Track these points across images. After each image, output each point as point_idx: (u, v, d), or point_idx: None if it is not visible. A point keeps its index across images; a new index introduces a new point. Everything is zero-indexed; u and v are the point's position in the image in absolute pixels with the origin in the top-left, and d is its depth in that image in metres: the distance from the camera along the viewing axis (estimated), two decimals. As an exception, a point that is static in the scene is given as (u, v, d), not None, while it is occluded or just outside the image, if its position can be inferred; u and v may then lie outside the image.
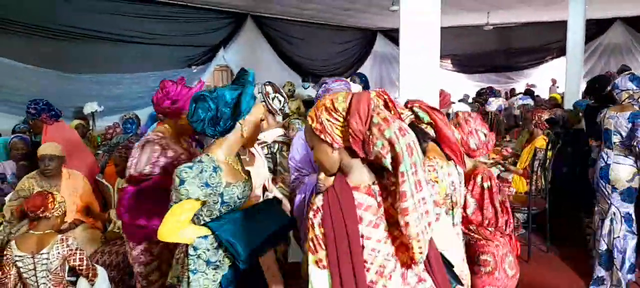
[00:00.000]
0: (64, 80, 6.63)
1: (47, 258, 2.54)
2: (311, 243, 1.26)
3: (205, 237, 1.72)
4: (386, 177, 1.30)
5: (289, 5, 8.97)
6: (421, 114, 1.50)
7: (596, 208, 3.58)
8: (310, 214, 1.26)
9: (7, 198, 3.40)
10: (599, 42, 11.91)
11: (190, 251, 1.72)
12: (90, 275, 2.67)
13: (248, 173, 1.97)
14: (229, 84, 1.88)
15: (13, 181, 3.70)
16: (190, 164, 1.70)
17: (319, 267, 1.25)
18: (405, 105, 1.50)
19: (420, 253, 1.22)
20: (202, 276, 1.73)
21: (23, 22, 6.12)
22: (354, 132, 1.22)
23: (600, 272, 3.52)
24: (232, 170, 1.82)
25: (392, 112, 1.31)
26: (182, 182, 1.65)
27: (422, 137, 1.73)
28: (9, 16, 5.98)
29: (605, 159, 3.40)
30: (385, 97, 1.31)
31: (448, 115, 6.68)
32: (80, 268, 2.63)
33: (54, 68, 6.48)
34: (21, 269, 2.54)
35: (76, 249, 2.62)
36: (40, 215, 2.58)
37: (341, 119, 1.25)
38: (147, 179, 2.24)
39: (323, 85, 2.78)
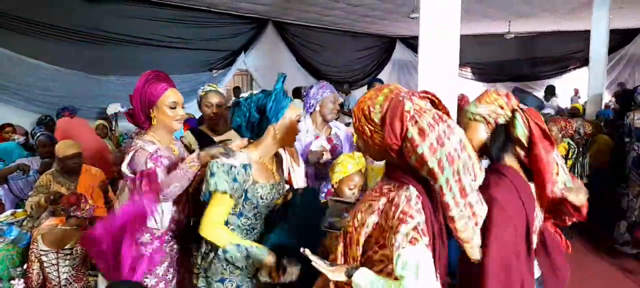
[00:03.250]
0: (90, 81, 6.84)
1: (71, 254, 2.60)
2: (418, 229, 1.20)
3: (237, 245, 1.78)
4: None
5: (310, 11, 9.04)
6: (520, 126, 1.51)
7: (627, 191, 4.30)
8: (413, 202, 1.22)
9: (29, 194, 3.49)
10: (624, 53, 11.67)
11: (220, 253, 1.81)
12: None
13: (281, 176, 2.02)
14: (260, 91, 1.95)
15: (35, 177, 3.80)
16: (221, 160, 1.77)
17: (429, 250, 1.22)
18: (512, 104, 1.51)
19: (472, 250, 1.23)
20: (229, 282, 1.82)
21: (52, 24, 6.36)
22: (387, 145, 1.22)
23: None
24: (265, 170, 1.88)
25: (440, 108, 1.28)
26: (212, 174, 1.74)
27: (506, 147, 1.60)
28: (38, 20, 6.21)
29: (637, 150, 4.20)
30: (429, 96, 1.28)
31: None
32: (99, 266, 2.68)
33: (80, 69, 6.70)
34: (45, 264, 2.61)
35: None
36: (72, 212, 2.66)
37: (378, 129, 1.25)
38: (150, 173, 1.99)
39: (316, 91, 3.01)
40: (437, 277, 1.23)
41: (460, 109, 3.75)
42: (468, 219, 1.18)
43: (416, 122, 1.18)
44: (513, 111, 1.56)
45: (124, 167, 2.06)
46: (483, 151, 1.64)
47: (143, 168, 2.00)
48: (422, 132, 1.16)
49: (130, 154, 2.05)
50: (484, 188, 1.36)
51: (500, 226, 1.43)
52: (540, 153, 1.48)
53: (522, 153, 1.57)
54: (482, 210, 1.22)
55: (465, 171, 1.17)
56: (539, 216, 1.65)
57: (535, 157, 1.49)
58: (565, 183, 1.63)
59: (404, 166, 1.27)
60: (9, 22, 5.96)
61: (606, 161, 4.55)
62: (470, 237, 1.21)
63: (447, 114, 1.27)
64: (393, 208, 1.24)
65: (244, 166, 1.78)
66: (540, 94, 12.69)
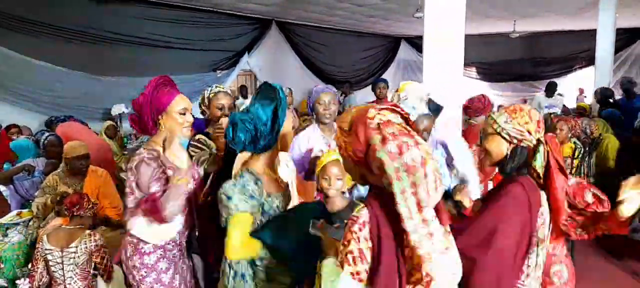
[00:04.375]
0: (94, 82, 6.86)
1: (75, 253, 2.62)
2: (349, 256, 1.24)
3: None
4: None
5: (314, 11, 9.04)
6: (540, 159, 1.60)
7: None
8: (355, 227, 1.25)
9: (36, 194, 3.51)
10: (630, 52, 11.61)
11: (244, 270, 1.78)
12: (105, 276, 2.71)
13: (285, 183, 2.00)
14: (254, 98, 1.89)
15: (41, 177, 3.82)
16: (233, 181, 1.75)
17: (354, 279, 1.24)
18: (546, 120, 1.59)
19: (428, 274, 1.17)
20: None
21: (56, 25, 6.40)
22: (353, 151, 1.25)
23: None
24: (272, 181, 1.86)
25: (410, 124, 1.29)
26: (229, 198, 1.71)
27: (521, 169, 1.67)
28: (43, 20, 6.25)
29: None
30: (398, 110, 1.29)
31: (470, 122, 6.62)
32: (100, 266, 2.68)
33: (84, 70, 6.73)
34: (50, 263, 2.63)
35: (101, 246, 2.68)
36: (75, 212, 2.69)
37: (348, 139, 1.27)
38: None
39: (313, 91, 2.87)
40: None
41: (483, 110, 3.73)
42: (424, 238, 1.15)
43: (380, 130, 1.20)
44: (538, 141, 1.64)
45: (128, 175, 2.04)
46: (498, 163, 1.72)
47: (146, 191, 2.00)
48: (384, 139, 1.18)
49: (134, 163, 2.04)
50: (496, 190, 1.41)
51: (509, 216, 1.56)
52: (556, 186, 1.60)
53: (535, 175, 1.67)
54: (438, 232, 1.17)
55: (422, 185, 1.15)
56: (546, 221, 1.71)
57: (551, 189, 1.61)
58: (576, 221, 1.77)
59: (373, 180, 1.29)
60: (15, 23, 6.00)
61: (613, 161, 4.51)
62: (428, 253, 1.15)
63: (417, 130, 1.28)
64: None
65: (255, 182, 1.76)
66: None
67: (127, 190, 2.07)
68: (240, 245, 1.74)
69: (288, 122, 1.88)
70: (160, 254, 2.10)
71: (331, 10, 8.82)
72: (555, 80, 12.80)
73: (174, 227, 2.11)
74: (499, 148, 1.69)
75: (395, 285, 1.22)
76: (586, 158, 4.37)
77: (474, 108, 3.60)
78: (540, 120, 1.68)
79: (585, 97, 11.10)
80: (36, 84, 6.25)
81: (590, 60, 9.00)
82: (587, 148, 4.39)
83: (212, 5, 8.05)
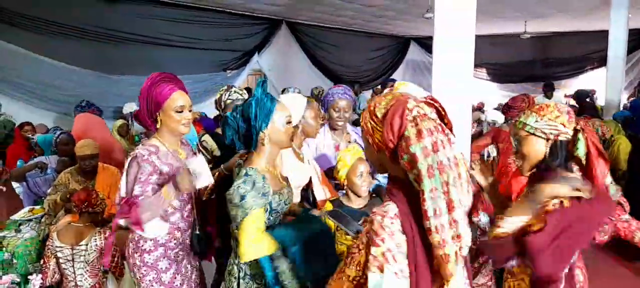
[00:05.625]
0: (105, 81, 6.95)
1: (85, 250, 2.65)
2: (388, 254, 1.16)
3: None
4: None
5: (323, 12, 9.04)
6: (582, 147, 1.56)
7: None
8: (386, 221, 1.19)
9: (48, 191, 3.56)
10: (643, 53, 11.45)
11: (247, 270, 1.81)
12: (116, 273, 2.72)
13: (286, 179, 2.00)
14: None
15: (53, 175, 3.86)
16: (241, 180, 1.74)
17: (399, 277, 1.16)
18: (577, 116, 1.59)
19: (449, 275, 1.13)
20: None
21: (68, 24, 6.49)
22: (384, 141, 1.20)
23: None
24: (275, 178, 1.87)
25: (446, 121, 1.25)
26: (242, 197, 1.70)
27: (566, 163, 1.65)
28: (55, 19, 6.34)
29: None
30: (436, 105, 1.25)
31: (479, 122, 6.58)
32: (110, 263, 2.69)
33: (96, 69, 6.81)
34: (60, 260, 2.66)
35: (111, 243, 2.71)
36: (84, 209, 2.70)
37: (380, 126, 1.23)
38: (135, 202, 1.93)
39: (329, 93, 2.84)
40: None
41: (511, 110, 3.65)
42: (450, 240, 1.11)
43: (416, 124, 1.16)
44: (575, 131, 1.62)
45: (124, 175, 2.02)
46: (538, 165, 1.68)
47: (128, 192, 1.97)
48: (419, 133, 1.14)
49: (128, 160, 2.02)
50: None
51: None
52: (597, 171, 1.56)
53: (576, 167, 1.64)
54: (467, 235, 1.13)
55: (455, 185, 1.11)
56: None
57: (593, 175, 1.57)
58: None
59: (395, 170, 1.25)
60: (26, 21, 6.08)
61: (625, 163, 4.47)
62: (449, 255, 1.11)
63: (450, 128, 1.24)
64: (369, 225, 1.22)
65: (262, 178, 1.76)
66: (558, 93, 12.56)
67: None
68: (257, 242, 1.71)
69: (278, 115, 1.83)
70: (161, 253, 2.07)
71: (340, 10, 8.82)
72: (567, 81, 12.78)
73: (164, 225, 2.07)
74: (536, 149, 1.67)
75: (429, 279, 1.17)
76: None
77: (517, 108, 3.50)
78: (570, 111, 1.66)
79: (597, 98, 10.98)
80: (48, 82, 6.34)
81: (602, 61, 8.86)
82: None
83: (223, 5, 8.08)
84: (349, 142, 2.89)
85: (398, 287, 1.15)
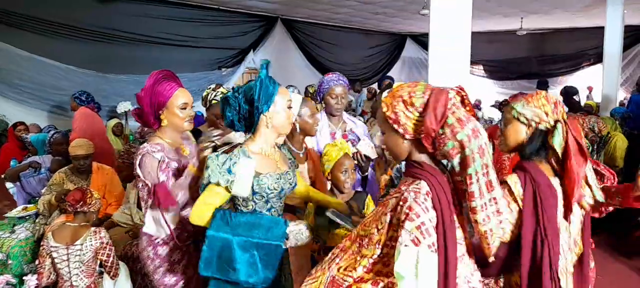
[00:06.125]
0: (99, 79, 6.89)
1: (80, 250, 2.63)
2: (423, 228, 1.21)
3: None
4: (450, 173, 1.35)
5: (319, 9, 9.02)
6: (558, 137, 1.59)
7: None
8: (420, 198, 1.25)
9: (42, 191, 3.54)
10: (638, 49, 11.49)
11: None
12: (112, 273, 2.71)
13: (291, 167, 1.98)
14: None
15: (47, 174, 3.84)
16: (217, 152, 1.78)
17: (432, 250, 1.22)
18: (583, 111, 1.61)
19: (489, 248, 1.28)
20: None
21: (62, 24, 6.44)
22: (426, 130, 1.26)
23: None
24: (267, 161, 1.84)
25: (468, 109, 1.34)
26: (207, 166, 1.73)
27: (539, 151, 1.68)
28: (49, 18, 6.30)
29: None
30: (463, 94, 1.35)
31: (478, 119, 6.60)
32: (106, 263, 2.68)
33: (90, 68, 6.76)
34: (56, 260, 2.64)
35: (107, 243, 2.69)
36: (79, 209, 2.68)
37: (417, 114, 1.28)
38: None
39: (324, 81, 2.87)
40: (448, 272, 1.23)
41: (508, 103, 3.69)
42: (492, 215, 1.25)
43: (454, 112, 1.26)
44: (556, 121, 1.63)
45: (137, 170, 2.06)
46: (517, 149, 1.72)
47: (155, 180, 2.01)
48: (460, 121, 1.24)
49: (138, 158, 2.05)
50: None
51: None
52: (573, 166, 1.58)
53: (554, 159, 1.65)
54: (506, 210, 1.28)
55: (491, 166, 1.25)
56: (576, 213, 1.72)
57: (567, 168, 1.59)
58: (596, 198, 1.71)
59: (418, 157, 1.33)
60: (21, 21, 6.04)
61: (621, 159, 4.47)
62: (489, 231, 1.26)
63: (474, 115, 1.34)
64: (401, 203, 1.28)
65: (245, 157, 1.75)
66: (551, 91, 12.59)
67: (140, 184, 2.09)
68: (199, 212, 1.77)
69: (280, 99, 1.84)
70: (174, 245, 2.12)
71: (336, 7, 8.80)
72: (563, 77, 12.82)
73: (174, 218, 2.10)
74: (517, 133, 1.69)
75: (456, 253, 1.26)
76: (594, 157, 4.33)
77: None
78: (557, 102, 1.67)
79: (593, 95, 11.02)
80: (43, 82, 6.28)
81: (598, 58, 8.92)
82: (595, 147, 4.35)
83: (218, 2, 8.05)
84: (345, 130, 2.92)
85: (432, 259, 1.22)
